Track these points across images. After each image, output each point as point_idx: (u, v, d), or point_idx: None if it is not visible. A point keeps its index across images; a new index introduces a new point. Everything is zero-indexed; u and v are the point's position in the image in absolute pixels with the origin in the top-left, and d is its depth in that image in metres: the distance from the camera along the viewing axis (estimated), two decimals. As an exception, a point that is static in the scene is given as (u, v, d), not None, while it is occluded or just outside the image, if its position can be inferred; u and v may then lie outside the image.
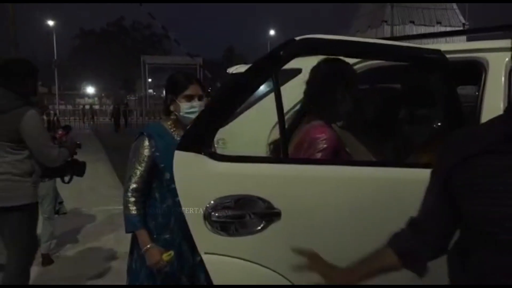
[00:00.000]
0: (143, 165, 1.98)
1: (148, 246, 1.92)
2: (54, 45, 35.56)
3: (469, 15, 43.38)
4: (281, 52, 1.59)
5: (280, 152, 1.69)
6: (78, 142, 3.02)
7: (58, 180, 3.18)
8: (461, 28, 40.38)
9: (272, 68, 1.60)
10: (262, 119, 2.39)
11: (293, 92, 2.09)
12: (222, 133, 2.08)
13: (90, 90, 47.96)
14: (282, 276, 1.62)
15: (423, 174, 1.18)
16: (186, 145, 1.52)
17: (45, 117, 5.38)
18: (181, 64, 21.22)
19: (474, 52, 2.05)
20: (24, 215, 2.49)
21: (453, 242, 1.14)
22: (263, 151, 2.22)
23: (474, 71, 2.01)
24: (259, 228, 1.57)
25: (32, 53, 36.28)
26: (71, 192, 4.74)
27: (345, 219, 1.65)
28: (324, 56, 1.93)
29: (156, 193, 2.02)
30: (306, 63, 2.16)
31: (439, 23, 42.70)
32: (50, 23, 36.90)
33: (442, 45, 2.02)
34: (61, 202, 4.09)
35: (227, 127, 2.29)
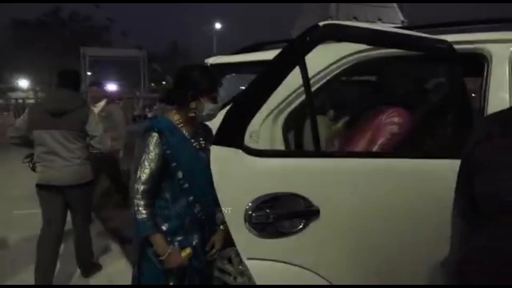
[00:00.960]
0: (153, 164, 1.82)
1: (169, 251, 1.83)
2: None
3: (405, 14, 45.55)
4: (307, 38, 1.54)
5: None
6: None
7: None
8: (402, 25, 42.58)
9: (299, 55, 1.55)
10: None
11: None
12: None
13: (24, 83, 45.06)
14: (323, 277, 1.59)
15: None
16: (223, 139, 1.46)
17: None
18: (125, 57, 20.23)
19: (477, 43, 1.99)
20: (91, 188, 3.37)
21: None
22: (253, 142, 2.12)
23: (477, 63, 1.98)
24: (299, 228, 1.51)
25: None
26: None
27: (385, 216, 1.59)
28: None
29: (167, 193, 1.89)
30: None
31: (380, 19, 44.75)
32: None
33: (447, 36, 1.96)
34: None
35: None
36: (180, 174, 1.84)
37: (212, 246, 1.99)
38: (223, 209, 1.51)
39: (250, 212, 1.47)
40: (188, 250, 1.87)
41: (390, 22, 43.31)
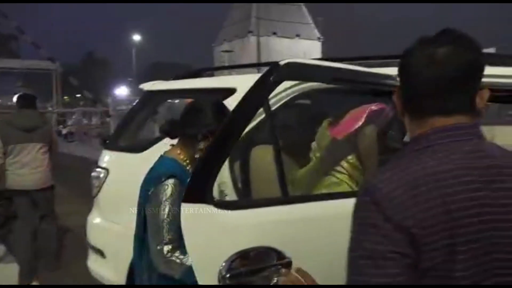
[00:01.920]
0: (178, 217, 1.51)
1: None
2: None
3: (321, 31, 48.03)
4: (271, 79, 1.50)
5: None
6: None
7: None
8: (319, 41, 45.15)
9: (263, 97, 1.54)
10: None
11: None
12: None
13: None
14: None
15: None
16: (192, 196, 1.39)
17: None
18: (36, 69, 18.85)
19: None
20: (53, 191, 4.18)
21: None
22: None
23: None
24: (274, 282, 1.44)
25: None
26: None
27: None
28: None
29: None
30: (241, 83, 2.20)
31: (298, 35, 46.69)
32: None
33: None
34: None
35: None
36: None
37: None
38: (196, 272, 1.42)
39: (223, 273, 1.40)
40: None
41: (308, 38, 45.29)
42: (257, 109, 1.55)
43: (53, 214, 4.27)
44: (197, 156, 1.78)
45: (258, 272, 1.45)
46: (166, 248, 1.64)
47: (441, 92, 0.90)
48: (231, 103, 2.03)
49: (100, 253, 2.91)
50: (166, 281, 1.71)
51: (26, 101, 4.01)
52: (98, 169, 2.98)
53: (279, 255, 1.47)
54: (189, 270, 1.58)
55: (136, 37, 38.16)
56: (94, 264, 3.03)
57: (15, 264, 4.01)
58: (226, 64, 31.28)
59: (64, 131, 19.46)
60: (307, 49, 42.66)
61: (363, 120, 2.18)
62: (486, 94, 0.93)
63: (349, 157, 2.20)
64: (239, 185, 2.18)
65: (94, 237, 3.06)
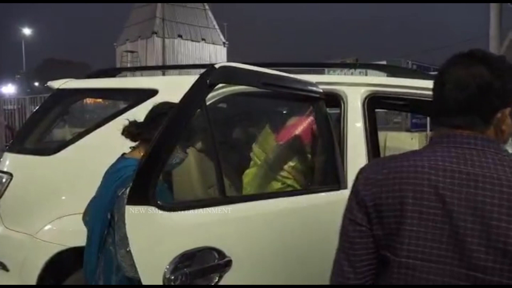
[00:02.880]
0: None
1: None
2: None
3: (227, 37, 48.68)
4: (207, 81, 1.55)
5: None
6: None
7: None
8: (224, 46, 45.76)
9: (200, 99, 1.58)
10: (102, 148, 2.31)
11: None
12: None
13: None
14: None
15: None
16: (135, 198, 1.41)
17: None
18: None
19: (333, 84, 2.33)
20: None
21: None
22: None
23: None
24: (215, 282, 1.50)
25: None
26: None
27: (290, 251, 1.69)
28: None
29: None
30: (163, 85, 2.20)
31: (203, 39, 46.59)
32: None
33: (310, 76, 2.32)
34: None
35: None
36: None
37: None
38: (140, 274, 1.43)
39: (168, 276, 1.43)
40: None
41: (213, 43, 45.55)
42: (195, 111, 1.58)
43: None
44: None
45: (202, 272, 1.48)
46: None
47: (453, 110, 1.02)
48: (152, 105, 2.06)
49: (2, 265, 2.64)
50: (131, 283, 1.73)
51: None
52: (-1, 174, 2.71)
53: (220, 254, 1.51)
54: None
55: (26, 31, 34.95)
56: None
57: None
58: (129, 65, 30.12)
59: None
60: (213, 53, 42.72)
61: (305, 126, 2.33)
62: (505, 114, 1.01)
63: (291, 162, 2.31)
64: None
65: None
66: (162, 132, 1.48)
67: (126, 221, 1.42)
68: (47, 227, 2.49)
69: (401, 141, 9.05)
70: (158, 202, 1.46)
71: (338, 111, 2.31)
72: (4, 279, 2.64)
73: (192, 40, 45.25)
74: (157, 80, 2.77)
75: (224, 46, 49.68)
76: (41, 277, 2.45)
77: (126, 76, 3.80)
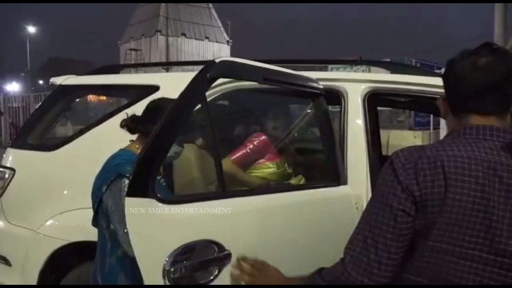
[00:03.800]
0: None
1: None
2: None
3: (230, 35, 48.64)
4: (208, 76, 1.54)
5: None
6: None
7: None
8: (228, 45, 45.83)
9: (200, 93, 1.57)
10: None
11: None
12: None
13: None
14: None
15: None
16: (135, 190, 1.42)
17: None
18: None
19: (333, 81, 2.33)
20: None
21: None
22: None
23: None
24: (215, 275, 1.50)
25: None
26: None
27: (290, 244, 1.72)
28: None
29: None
30: (164, 81, 2.20)
31: (207, 38, 46.62)
32: None
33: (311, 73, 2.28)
34: None
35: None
36: None
37: None
38: (140, 267, 1.44)
39: (167, 268, 1.43)
40: None
41: (217, 41, 45.55)
42: (196, 105, 1.58)
43: None
44: None
45: (201, 265, 1.49)
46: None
47: (483, 93, 1.08)
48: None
49: (5, 260, 2.67)
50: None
51: None
52: (1, 169, 2.73)
53: (219, 247, 1.52)
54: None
55: (31, 29, 35.03)
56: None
57: None
58: (133, 62, 30.17)
59: None
60: (216, 52, 42.72)
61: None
62: None
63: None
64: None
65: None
66: (162, 125, 1.48)
67: (126, 213, 1.42)
68: (49, 222, 2.51)
69: (404, 139, 9.09)
70: (158, 195, 1.47)
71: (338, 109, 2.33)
72: (6, 273, 2.66)
73: (196, 39, 45.37)
74: (158, 77, 2.78)
75: (228, 45, 49.64)
76: (43, 272, 2.46)
77: (130, 72, 3.81)
